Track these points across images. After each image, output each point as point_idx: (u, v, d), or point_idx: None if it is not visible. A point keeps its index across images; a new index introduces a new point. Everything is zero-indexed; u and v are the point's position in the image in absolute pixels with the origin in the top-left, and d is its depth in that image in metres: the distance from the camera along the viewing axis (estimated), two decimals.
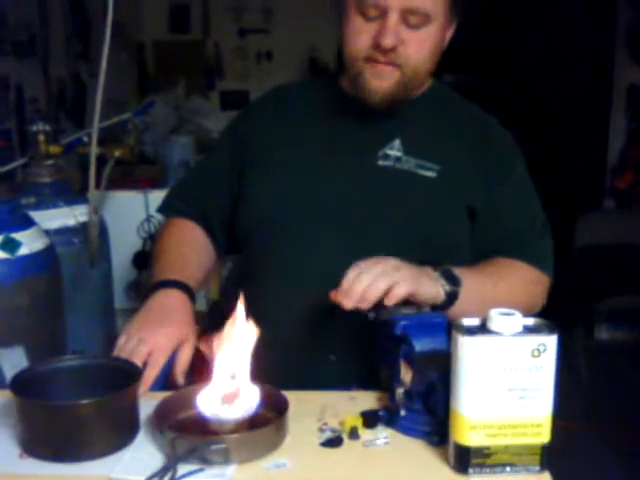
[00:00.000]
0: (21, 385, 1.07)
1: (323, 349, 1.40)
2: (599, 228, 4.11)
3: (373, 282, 1.14)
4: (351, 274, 1.15)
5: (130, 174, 2.84)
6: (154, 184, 2.64)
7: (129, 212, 1.95)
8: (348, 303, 1.14)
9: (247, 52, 5.16)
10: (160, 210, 1.62)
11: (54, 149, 1.65)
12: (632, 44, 4.36)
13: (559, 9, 4.76)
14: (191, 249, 1.51)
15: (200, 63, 5.14)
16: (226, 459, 1.01)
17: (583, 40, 4.69)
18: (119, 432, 1.07)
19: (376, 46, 1.30)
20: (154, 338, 1.26)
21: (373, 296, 1.14)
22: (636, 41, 4.34)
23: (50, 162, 1.65)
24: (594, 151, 4.64)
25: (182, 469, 1.00)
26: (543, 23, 4.87)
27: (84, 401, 1.04)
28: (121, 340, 1.28)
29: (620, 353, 4.25)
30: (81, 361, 1.19)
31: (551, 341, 0.96)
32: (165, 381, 1.64)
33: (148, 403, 1.13)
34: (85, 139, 1.67)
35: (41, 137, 1.64)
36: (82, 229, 1.65)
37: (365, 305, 1.14)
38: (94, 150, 1.32)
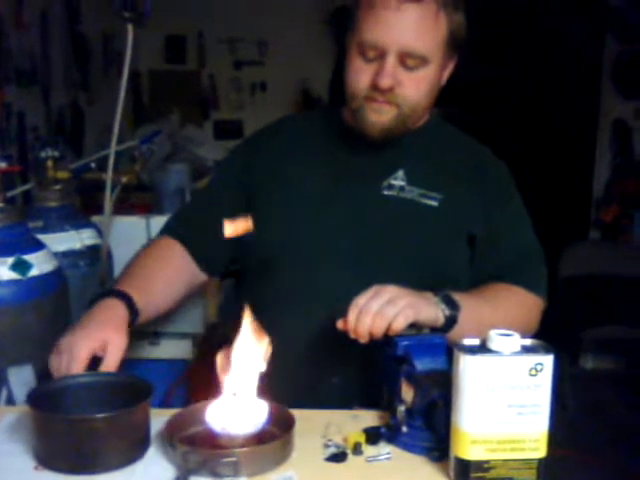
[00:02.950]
0: (37, 400, 1.11)
1: (326, 372, 1.44)
2: (584, 259, 4.16)
3: (374, 321, 1.19)
4: (352, 315, 1.20)
5: (125, 201, 2.88)
6: (149, 210, 2.68)
7: (131, 236, 1.98)
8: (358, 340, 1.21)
9: (241, 83, 5.23)
10: (160, 231, 1.65)
11: (62, 174, 1.69)
12: (619, 78, 4.45)
13: (546, 42, 4.85)
14: (155, 262, 1.51)
15: (195, 93, 5.20)
16: (236, 472, 1.05)
17: (569, 73, 4.77)
18: (131, 445, 1.11)
19: (374, 87, 1.36)
20: (70, 348, 1.25)
21: (377, 334, 1.20)
22: (623, 75, 4.43)
23: (58, 187, 1.68)
24: (580, 184, 4.72)
25: None
26: (530, 56, 4.96)
27: (99, 415, 1.08)
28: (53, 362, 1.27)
29: (604, 383, 4.29)
30: (93, 378, 1.22)
31: (548, 360, 1.01)
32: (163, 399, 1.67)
33: (158, 419, 1.16)
34: (92, 165, 1.71)
35: (49, 163, 1.68)
36: (88, 252, 1.69)
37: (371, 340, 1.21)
38: (110, 175, 1.37)
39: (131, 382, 1.20)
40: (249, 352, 1.14)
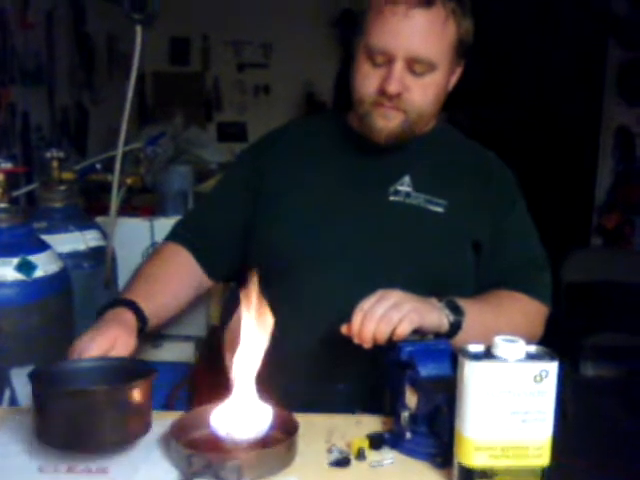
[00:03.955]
0: (39, 378, 1.12)
1: (332, 379, 1.44)
2: (586, 265, 4.16)
3: (378, 326, 1.19)
4: (357, 318, 1.20)
5: (128, 202, 2.87)
6: (151, 212, 2.67)
7: (134, 238, 1.98)
8: (362, 345, 1.21)
9: (245, 85, 5.24)
10: (166, 237, 1.65)
11: (67, 175, 1.69)
12: (622, 84, 4.45)
13: (549, 49, 4.86)
14: (161, 269, 1.53)
15: (199, 95, 5.21)
16: (239, 476, 1.04)
17: (573, 79, 4.77)
18: (130, 424, 1.11)
19: (382, 92, 1.36)
20: (81, 346, 1.26)
21: (381, 339, 1.20)
22: (626, 82, 4.43)
23: (63, 187, 1.68)
24: (582, 190, 4.72)
25: None
26: (533, 62, 4.97)
27: (98, 388, 1.10)
28: None
29: (605, 390, 4.29)
30: (97, 362, 1.22)
31: (552, 367, 1.01)
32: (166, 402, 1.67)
33: (161, 422, 1.16)
34: (97, 166, 1.71)
35: (54, 163, 1.68)
36: (92, 253, 1.68)
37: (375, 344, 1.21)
38: (117, 176, 1.37)
39: (135, 366, 1.20)
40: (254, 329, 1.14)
